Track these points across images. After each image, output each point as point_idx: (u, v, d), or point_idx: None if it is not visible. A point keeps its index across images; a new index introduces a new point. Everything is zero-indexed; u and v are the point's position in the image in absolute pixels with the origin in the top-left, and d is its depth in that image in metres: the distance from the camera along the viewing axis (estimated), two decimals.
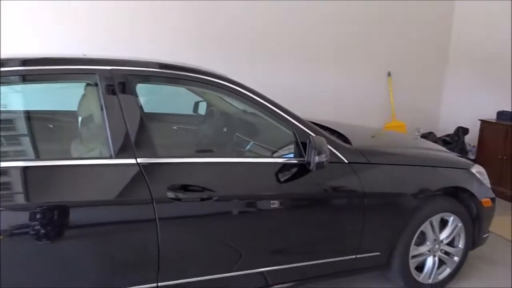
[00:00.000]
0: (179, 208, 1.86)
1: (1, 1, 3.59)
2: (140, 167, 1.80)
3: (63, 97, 2.36)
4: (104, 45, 3.85)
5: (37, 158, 1.94)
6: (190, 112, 3.15)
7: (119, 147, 1.80)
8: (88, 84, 2.00)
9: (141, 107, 1.91)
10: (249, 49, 4.55)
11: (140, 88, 2.04)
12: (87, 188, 1.75)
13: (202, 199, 1.90)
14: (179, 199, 1.84)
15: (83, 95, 2.08)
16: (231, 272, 2.06)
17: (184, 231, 1.92)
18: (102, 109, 1.83)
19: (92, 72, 1.85)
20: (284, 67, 4.76)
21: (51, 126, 2.45)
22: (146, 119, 1.92)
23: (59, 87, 2.19)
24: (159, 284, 1.87)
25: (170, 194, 1.82)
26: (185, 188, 1.87)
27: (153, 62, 2.01)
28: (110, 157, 1.79)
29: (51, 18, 3.79)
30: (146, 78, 2.01)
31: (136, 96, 1.90)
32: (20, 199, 1.66)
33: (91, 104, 1.97)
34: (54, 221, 1.67)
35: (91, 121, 2.02)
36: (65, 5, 3.78)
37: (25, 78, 1.85)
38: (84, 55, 2.06)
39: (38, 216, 1.62)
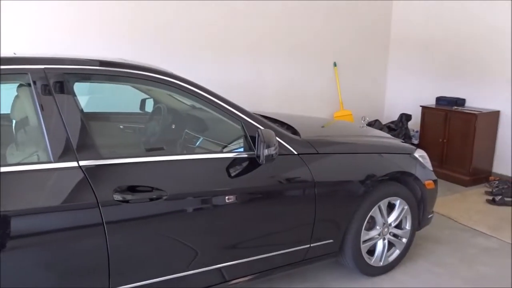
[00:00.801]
0: (128, 210, 1.80)
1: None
2: (83, 170, 1.72)
3: None
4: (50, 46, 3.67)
5: None
6: (137, 110, 3.06)
7: (58, 151, 1.71)
8: (20, 85, 1.87)
9: (80, 107, 1.82)
10: (195, 45, 4.47)
11: (81, 87, 1.94)
12: (27, 195, 1.64)
13: (152, 199, 1.85)
14: (126, 201, 1.78)
15: (16, 97, 1.95)
16: (187, 271, 2.03)
17: (135, 233, 1.85)
18: (37, 111, 1.72)
19: (24, 71, 1.74)
20: (231, 62, 4.73)
21: None
22: (87, 120, 1.84)
23: None
24: None
25: (117, 196, 1.76)
26: (132, 189, 1.81)
27: (91, 60, 1.92)
28: (50, 162, 1.69)
29: None
30: (85, 76, 1.92)
31: (74, 95, 1.81)
32: None
33: (25, 106, 1.85)
34: None
35: (27, 124, 1.90)
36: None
37: None
38: (14, 53, 1.93)
39: None
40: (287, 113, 3.56)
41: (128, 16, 4.08)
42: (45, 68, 1.76)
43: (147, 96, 2.95)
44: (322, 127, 3.25)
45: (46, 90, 1.74)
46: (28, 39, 3.65)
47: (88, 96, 2.56)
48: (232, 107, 2.17)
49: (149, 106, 3.03)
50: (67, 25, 3.82)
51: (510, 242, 3.25)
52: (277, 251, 2.29)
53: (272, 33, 4.93)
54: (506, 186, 4.33)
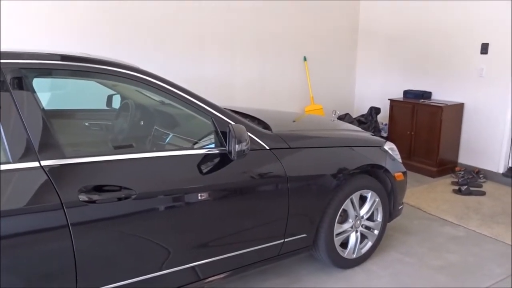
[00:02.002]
0: (94, 211, 1.72)
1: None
2: (44, 171, 1.63)
3: None
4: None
5: None
6: (103, 106, 2.96)
7: (18, 151, 1.62)
8: None
9: (41, 104, 1.72)
10: (165, 41, 4.38)
11: (42, 83, 1.84)
12: None
13: (120, 199, 1.78)
14: (93, 201, 1.71)
15: None
16: (159, 271, 1.98)
17: (102, 235, 1.78)
18: None
19: None
20: (201, 58, 4.66)
21: None
22: (49, 117, 1.75)
23: None
24: None
25: (82, 197, 1.68)
26: (99, 189, 1.74)
27: (52, 54, 1.82)
28: (8, 162, 1.60)
29: None
30: (45, 71, 1.82)
31: (34, 92, 1.71)
32: None
33: None
34: None
35: None
36: None
37: None
38: None
39: None
40: (257, 108, 3.54)
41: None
42: (1, 63, 1.66)
43: (114, 92, 2.85)
44: (294, 121, 3.24)
45: (2, 86, 1.64)
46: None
47: (50, 93, 2.45)
48: (202, 102, 2.12)
49: (116, 103, 2.93)
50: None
51: (475, 230, 3.36)
52: (251, 247, 2.27)
53: (241, 27, 4.89)
54: (471, 176, 4.48)
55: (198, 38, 4.59)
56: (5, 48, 1.86)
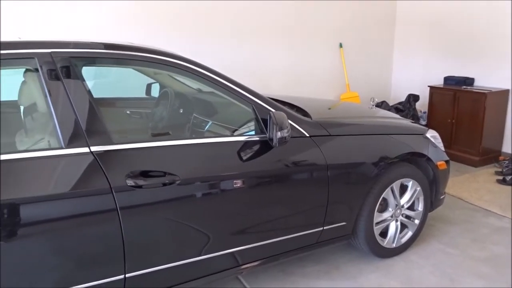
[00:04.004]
0: (141, 196, 1.77)
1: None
2: (94, 156, 1.69)
3: None
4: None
5: None
6: (143, 95, 3.02)
7: (69, 136, 1.68)
8: (27, 70, 1.83)
9: (89, 92, 1.78)
10: (199, 27, 4.40)
11: (87, 71, 1.89)
12: (39, 182, 1.61)
13: (164, 184, 1.82)
14: (139, 186, 1.75)
15: (23, 82, 1.91)
16: (200, 256, 2.02)
17: (148, 219, 1.83)
18: (46, 96, 1.68)
19: (31, 56, 1.69)
20: (237, 44, 4.66)
21: None
22: (96, 105, 1.79)
23: None
24: (127, 275, 1.79)
25: (130, 182, 1.73)
26: (145, 174, 1.78)
27: (98, 43, 1.87)
28: (61, 148, 1.66)
29: None
30: (92, 60, 1.87)
31: (83, 80, 1.76)
32: None
33: (33, 92, 1.81)
34: (5, 221, 1.53)
35: (35, 110, 1.86)
36: None
37: None
38: (19, 38, 1.88)
39: None
40: (294, 95, 3.51)
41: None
42: (52, 52, 1.71)
43: (153, 81, 2.91)
44: (329, 108, 3.21)
45: (53, 75, 1.70)
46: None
47: (93, 81, 2.52)
48: (243, 90, 2.12)
49: (155, 91, 2.99)
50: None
51: None
52: (290, 234, 2.27)
53: (277, 14, 4.84)
54: None
55: (234, 25, 4.59)
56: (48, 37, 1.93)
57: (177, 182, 1.84)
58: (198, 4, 4.33)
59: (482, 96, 4.43)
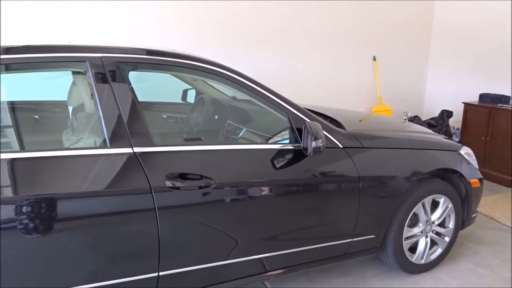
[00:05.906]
0: (178, 197, 1.84)
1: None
2: (137, 156, 1.77)
3: (48, 86, 2.28)
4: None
5: (25, 149, 1.87)
6: (179, 100, 3.11)
7: (114, 136, 1.76)
8: (77, 72, 1.94)
9: (135, 95, 1.86)
10: (236, 37, 4.49)
11: (132, 76, 1.98)
12: (83, 178, 1.69)
13: (200, 187, 1.88)
14: (177, 188, 1.82)
15: (73, 84, 2.01)
16: (230, 259, 2.06)
17: (183, 220, 1.89)
18: (94, 98, 1.78)
19: (82, 59, 1.79)
20: (270, 55, 4.72)
21: (37, 116, 2.38)
22: (140, 108, 1.88)
23: (43, 76, 2.11)
24: (161, 273, 1.86)
25: (168, 183, 1.80)
26: (183, 176, 1.85)
27: (143, 49, 1.96)
28: (105, 147, 1.75)
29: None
30: (139, 65, 1.96)
31: (129, 83, 1.85)
32: (9, 192, 1.58)
33: (82, 93, 1.91)
34: (49, 214, 1.62)
35: (83, 110, 1.97)
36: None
37: (9, 67, 1.76)
38: (69, 42, 1.99)
39: (30, 209, 1.57)
40: (326, 106, 3.53)
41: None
42: (102, 56, 1.81)
43: (189, 87, 3.00)
44: (360, 121, 3.21)
45: (102, 78, 1.79)
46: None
47: (135, 85, 2.62)
48: (279, 99, 2.17)
49: (191, 97, 3.07)
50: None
51: None
52: (319, 243, 2.29)
53: (309, 26, 4.88)
54: None
55: (266, 36, 4.66)
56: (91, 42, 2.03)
57: (213, 185, 1.89)
58: (224, 12, 4.39)
59: None
